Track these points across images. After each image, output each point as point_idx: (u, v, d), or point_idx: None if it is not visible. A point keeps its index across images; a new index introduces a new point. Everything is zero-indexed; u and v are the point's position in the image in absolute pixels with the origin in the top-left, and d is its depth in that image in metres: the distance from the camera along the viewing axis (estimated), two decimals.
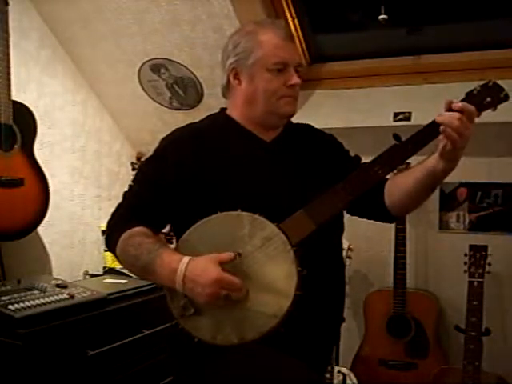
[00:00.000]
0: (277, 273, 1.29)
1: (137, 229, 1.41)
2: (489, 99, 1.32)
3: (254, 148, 1.51)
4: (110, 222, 1.50)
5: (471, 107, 1.29)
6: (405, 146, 1.36)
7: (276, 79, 1.46)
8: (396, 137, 1.38)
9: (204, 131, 1.53)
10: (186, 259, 1.30)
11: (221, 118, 1.57)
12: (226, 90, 1.56)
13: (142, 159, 2.97)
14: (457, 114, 1.27)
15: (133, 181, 1.56)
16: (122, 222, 1.45)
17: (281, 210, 1.33)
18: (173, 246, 1.48)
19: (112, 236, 1.46)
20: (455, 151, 1.31)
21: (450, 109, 1.30)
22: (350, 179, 1.36)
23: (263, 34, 1.48)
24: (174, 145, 1.50)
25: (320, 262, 1.42)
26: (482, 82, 1.34)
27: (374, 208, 1.56)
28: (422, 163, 1.42)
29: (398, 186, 1.50)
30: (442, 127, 1.28)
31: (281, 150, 1.53)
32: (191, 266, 1.28)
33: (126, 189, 1.53)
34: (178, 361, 1.49)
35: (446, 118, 1.28)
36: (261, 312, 1.28)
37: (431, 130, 1.32)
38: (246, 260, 1.31)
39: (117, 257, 1.46)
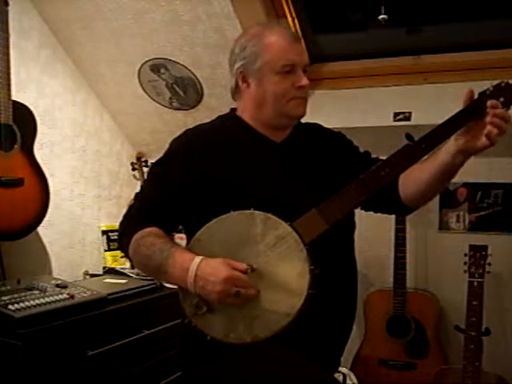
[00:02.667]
0: (289, 271, 1.29)
1: (149, 229, 1.42)
2: (502, 99, 1.31)
3: (264, 149, 1.51)
4: (122, 224, 1.51)
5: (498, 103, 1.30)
6: (418, 145, 1.34)
7: (285, 81, 1.46)
8: (408, 137, 1.37)
9: (214, 132, 1.54)
10: (197, 259, 1.31)
11: (231, 119, 1.57)
12: (235, 92, 1.56)
13: (143, 159, 2.97)
14: (501, 113, 1.28)
15: (144, 182, 1.58)
16: (134, 223, 1.47)
17: (291, 210, 1.33)
18: None
19: (124, 237, 1.47)
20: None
21: (475, 103, 1.31)
22: (362, 180, 1.35)
23: (270, 37, 1.47)
24: (185, 146, 1.51)
25: (332, 260, 1.42)
26: (495, 83, 1.34)
27: (389, 202, 1.55)
28: (434, 157, 1.40)
29: (412, 180, 1.49)
30: (489, 127, 1.27)
31: (291, 150, 1.53)
32: (203, 266, 1.30)
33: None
34: (190, 359, 1.49)
35: (496, 121, 1.28)
36: (273, 311, 1.28)
37: (447, 129, 1.32)
38: (259, 259, 1.31)
39: (129, 258, 1.47)
